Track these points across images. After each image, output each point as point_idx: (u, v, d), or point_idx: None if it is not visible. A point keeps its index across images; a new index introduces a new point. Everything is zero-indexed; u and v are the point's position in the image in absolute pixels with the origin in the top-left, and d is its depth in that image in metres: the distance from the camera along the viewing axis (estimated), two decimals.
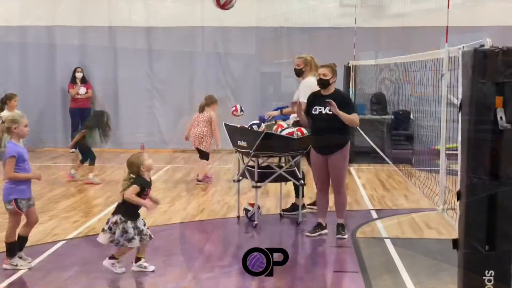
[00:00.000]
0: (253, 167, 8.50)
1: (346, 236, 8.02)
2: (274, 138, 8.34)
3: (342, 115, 7.73)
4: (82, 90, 15.49)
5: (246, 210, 8.91)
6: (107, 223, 6.60)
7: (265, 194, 10.50)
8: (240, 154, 8.82)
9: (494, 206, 4.12)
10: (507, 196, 4.09)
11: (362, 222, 8.86)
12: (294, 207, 9.13)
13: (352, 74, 14.06)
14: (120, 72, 16.05)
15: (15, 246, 6.77)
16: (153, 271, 6.69)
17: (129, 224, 6.54)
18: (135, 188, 6.59)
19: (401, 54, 14.38)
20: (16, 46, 16.11)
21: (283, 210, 9.23)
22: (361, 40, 15.06)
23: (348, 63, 14.38)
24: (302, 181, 8.70)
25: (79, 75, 15.55)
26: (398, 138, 15.21)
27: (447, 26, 5.50)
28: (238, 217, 9.00)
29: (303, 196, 9.03)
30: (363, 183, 11.85)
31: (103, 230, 6.60)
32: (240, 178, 8.92)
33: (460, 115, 4.38)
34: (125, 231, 6.51)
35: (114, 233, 6.53)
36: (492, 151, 4.06)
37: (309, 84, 8.67)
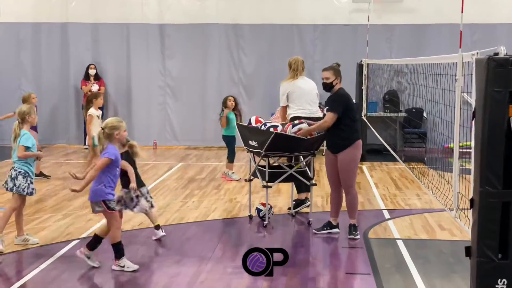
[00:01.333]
0: (264, 166, 8.52)
1: (358, 236, 8.03)
2: (284, 139, 8.35)
3: (310, 129, 8.22)
4: (95, 87, 15.53)
5: (258, 210, 8.93)
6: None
7: (277, 194, 10.52)
8: (251, 154, 8.83)
9: (507, 214, 4.12)
10: None
11: (374, 222, 8.86)
12: (298, 203, 9.27)
13: (364, 72, 14.02)
14: (133, 69, 16.12)
15: (122, 246, 6.79)
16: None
17: None
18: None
19: (415, 51, 14.39)
20: (29, 42, 16.20)
21: (294, 208, 9.26)
22: (374, 37, 15.02)
23: (361, 61, 14.34)
24: (313, 181, 8.71)
25: (92, 71, 15.62)
26: (411, 136, 15.19)
27: (461, 32, 5.47)
28: (250, 216, 9.03)
29: (308, 190, 9.05)
30: (375, 181, 11.84)
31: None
32: (252, 177, 8.95)
33: (473, 123, 4.37)
34: None
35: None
36: (506, 160, 4.06)
37: (282, 87, 9.36)
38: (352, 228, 8.10)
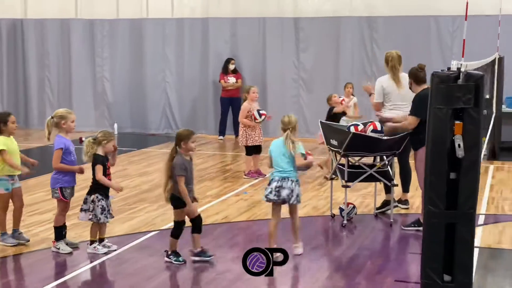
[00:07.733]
0: (344, 165, 8.48)
1: None
2: (363, 139, 8.25)
3: (394, 126, 8.22)
4: (232, 79, 16.04)
5: (341, 209, 8.88)
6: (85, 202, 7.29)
7: (370, 193, 10.32)
8: (333, 153, 8.81)
9: (452, 236, 3.87)
10: (465, 226, 3.82)
11: None
12: (384, 203, 9.10)
13: (495, 66, 13.23)
14: (268, 62, 16.43)
15: (62, 231, 7.45)
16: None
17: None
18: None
19: None
20: (173, 37, 17.07)
21: (376, 209, 9.11)
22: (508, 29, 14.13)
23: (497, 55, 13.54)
24: (393, 182, 8.53)
25: (231, 66, 16.11)
26: None
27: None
28: (333, 215, 8.99)
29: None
30: (493, 183, 11.19)
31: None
32: (333, 176, 8.93)
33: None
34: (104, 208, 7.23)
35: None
36: (450, 180, 3.81)
37: (378, 82, 9.35)
38: None
